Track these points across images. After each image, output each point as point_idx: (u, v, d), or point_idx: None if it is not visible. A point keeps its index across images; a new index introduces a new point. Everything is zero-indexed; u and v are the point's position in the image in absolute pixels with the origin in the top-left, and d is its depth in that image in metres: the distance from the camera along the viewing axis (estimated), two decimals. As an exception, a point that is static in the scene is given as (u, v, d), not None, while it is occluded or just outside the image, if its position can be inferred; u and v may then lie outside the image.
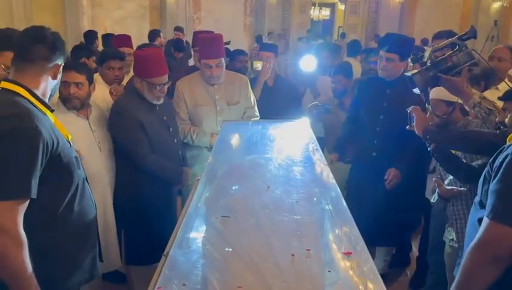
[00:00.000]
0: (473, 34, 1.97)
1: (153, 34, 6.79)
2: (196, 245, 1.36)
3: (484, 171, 1.39)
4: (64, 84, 2.30)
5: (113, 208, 2.59)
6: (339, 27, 15.48)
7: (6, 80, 1.55)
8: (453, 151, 2.16)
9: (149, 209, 2.53)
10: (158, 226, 2.46)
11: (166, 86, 2.52)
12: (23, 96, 1.51)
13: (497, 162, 1.33)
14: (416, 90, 2.10)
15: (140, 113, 2.47)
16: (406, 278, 3.32)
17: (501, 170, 1.29)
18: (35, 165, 1.40)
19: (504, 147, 1.35)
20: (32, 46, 1.52)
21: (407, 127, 2.20)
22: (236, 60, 4.07)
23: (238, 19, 12.27)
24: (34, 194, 1.41)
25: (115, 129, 2.52)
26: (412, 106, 2.17)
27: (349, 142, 3.18)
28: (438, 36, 3.42)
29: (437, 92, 2.18)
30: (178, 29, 8.23)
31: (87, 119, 2.45)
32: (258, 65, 3.55)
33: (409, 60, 2.41)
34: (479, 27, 9.27)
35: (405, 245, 3.46)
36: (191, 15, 12.04)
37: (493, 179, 1.32)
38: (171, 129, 2.65)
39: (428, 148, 2.15)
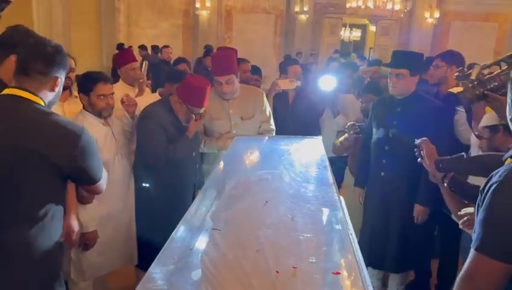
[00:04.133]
0: None
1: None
2: (186, 261, 1.34)
3: (477, 199, 1.32)
4: (102, 97, 2.45)
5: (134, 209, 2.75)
6: (370, 48, 15.38)
7: (20, 88, 1.58)
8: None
9: (162, 217, 2.57)
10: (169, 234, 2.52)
11: (196, 114, 2.65)
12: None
13: (485, 190, 1.26)
14: (461, 108, 2.03)
15: (166, 122, 2.61)
16: (425, 306, 3.17)
17: (485, 200, 1.23)
18: None
19: (492, 175, 1.27)
20: (29, 60, 1.58)
21: (418, 160, 2.12)
22: (239, 70, 4.00)
23: (268, 39, 12.41)
24: None
25: (139, 130, 2.67)
26: (420, 139, 2.09)
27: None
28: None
29: (482, 120, 2.12)
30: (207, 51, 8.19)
31: (110, 126, 2.59)
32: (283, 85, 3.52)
33: (455, 77, 2.35)
34: (515, 50, 8.96)
35: (424, 271, 3.31)
36: (223, 34, 12.30)
37: (480, 207, 1.25)
38: (191, 143, 2.72)
39: (444, 183, 2.05)
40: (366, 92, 3.38)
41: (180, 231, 1.49)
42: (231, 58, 2.89)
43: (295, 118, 3.46)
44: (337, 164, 3.47)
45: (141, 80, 3.31)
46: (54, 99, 1.69)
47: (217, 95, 2.94)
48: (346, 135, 3.10)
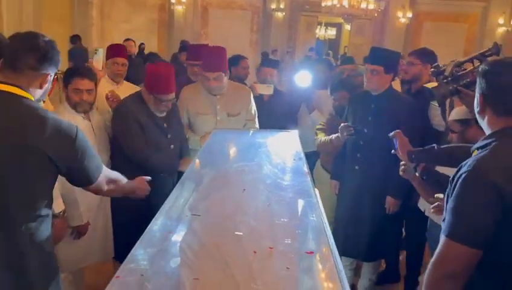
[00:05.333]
0: (496, 50, 1.98)
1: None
2: (166, 244, 1.38)
3: (447, 189, 1.41)
4: (76, 91, 2.45)
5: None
6: (345, 46, 15.63)
7: (6, 83, 1.49)
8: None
9: (140, 208, 2.58)
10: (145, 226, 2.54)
11: (169, 103, 2.62)
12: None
13: (454, 180, 1.35)
14: (435, 104, 2.10)
15: (140, 116, 2.59)
16: (396, 296, 3.28)
17: (455, 188, 1.32)
18: None
19: (461, 165, 1.37)
20: (20, 54, 1.48)
21: (392, 151, 2.19)
22: (239, 66, 4.00)
23: (245, 35, 12.42)
24: None
25: (115, 125, 2.65)
26: (394, 131, 2.16)
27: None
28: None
29: (452, 114, 2.20)
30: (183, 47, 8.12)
31: (90, 121, 2.59)
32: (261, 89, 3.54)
33: (430, 73, 2.44)
34: (483, 50, 9.29)
35: (393, 261, 3.43)
36: (199, 30, 12.24)
37: (450, 197, 1.35)
38: (169, 136, 2.72)
39: (416, 173, 2.13)
40: (339, 90, 3.45)
41: (159, 220, 1.52)
42: (222, 55, 2.91)
43: (270, 115, 3.51)
44: (313, 159, 3.55)
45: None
46: (42, 97, 1.61)
47: (205, 89, 2.96)
48: (338, 134, 3.01)
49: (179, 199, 1.70)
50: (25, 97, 1.49)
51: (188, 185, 1.92)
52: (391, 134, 2.15)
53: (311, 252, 1.24)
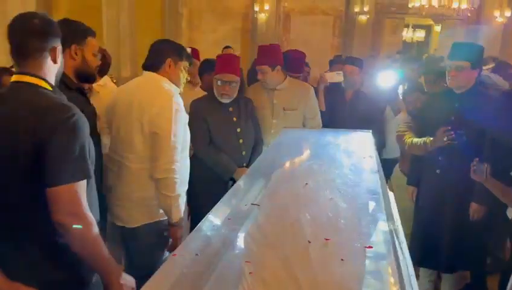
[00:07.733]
0: None
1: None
2: (224, 229, 1.40)
3: None
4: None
5: None
6: (435, 49, 14.75)
7: (23, 73, 1.49)
8: None
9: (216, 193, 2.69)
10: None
11: (228, 86, 2.74)
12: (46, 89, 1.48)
13: None
14: None
15: (207, 111, 2.78)
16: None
17: None
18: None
19: None
20: (24, 40, 1.47)
21: None
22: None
23: (326, 40, 12.29)
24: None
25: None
26: None
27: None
28: None
29: None
30: None
31: None
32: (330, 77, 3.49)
33: None
34: None
35: (481, 273, 3.14)
36: (280, 37, 12.37)
37: None
38: (238, 130, 2.83)
39: None
40: (413, 91, 3.31)
41: (219, 207, 1.56)
42: (270, 51, 3.07)
43: (352, 115, 3.42)
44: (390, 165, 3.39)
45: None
46: (60, 70, 1.58)
47: (263, 86, 3.11)
48: (434, 138, 2.71)
49: (241, 190, 1.73)
50: (43, 87, 1.47)
51: (252, 178, 1.94)
52: None
53: (370, 247, 1.18)
